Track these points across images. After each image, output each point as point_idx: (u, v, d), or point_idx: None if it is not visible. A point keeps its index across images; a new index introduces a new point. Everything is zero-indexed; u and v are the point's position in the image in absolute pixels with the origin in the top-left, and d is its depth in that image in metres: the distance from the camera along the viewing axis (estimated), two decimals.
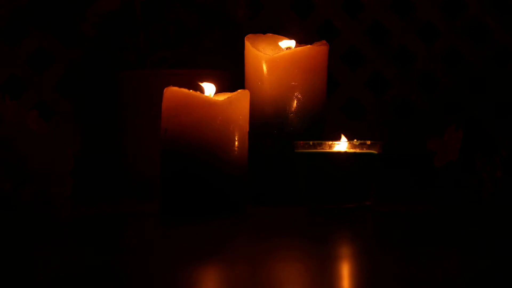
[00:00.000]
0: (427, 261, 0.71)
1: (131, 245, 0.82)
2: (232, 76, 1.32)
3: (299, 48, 1.15)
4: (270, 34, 1.18)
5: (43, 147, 1.10)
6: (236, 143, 1.02)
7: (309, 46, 1.15)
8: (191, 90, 1.01)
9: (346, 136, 1.04)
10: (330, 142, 1.03)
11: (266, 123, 1.14)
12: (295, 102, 1.14)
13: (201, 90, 1.05)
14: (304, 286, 0.62)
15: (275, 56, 1.14)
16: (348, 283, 0.63)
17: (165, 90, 1.02)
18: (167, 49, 1.37)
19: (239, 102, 1.03)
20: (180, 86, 1.02)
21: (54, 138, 1.13)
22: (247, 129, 1.04)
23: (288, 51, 1.15)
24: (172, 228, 0.95)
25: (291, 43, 1.17)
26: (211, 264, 0.70)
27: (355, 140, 1.02)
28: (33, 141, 1.09)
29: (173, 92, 1.01)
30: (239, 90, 1.04)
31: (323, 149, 1.03)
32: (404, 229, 0.93)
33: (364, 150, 1.02)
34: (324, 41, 1.16)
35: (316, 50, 1.15)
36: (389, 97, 1.52)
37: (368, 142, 1.02)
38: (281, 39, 1.18)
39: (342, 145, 1.02)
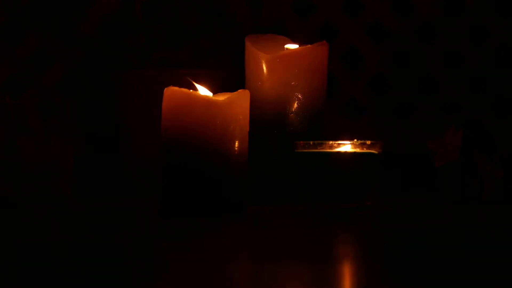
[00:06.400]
0: (427, 262, 0.71)
1: (131, 245, 0.82)
2: (232, 76, 1.32)
3: (299, 48, 1.15)
4: (270, 34, 1.18)
5: (43, 147, 1.10)
6: (236, 143, 1.02)
7: (309, 46, 1.15)
8: (191, 90, 1.01)
9: (346, 136, 1.03)
10: (330, 142, 1.03)
11: (266, 123, 1.14)
12: (295, 102, 1.14)
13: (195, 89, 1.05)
14: (304, 286, 0.62)
15: (275, 56, 1.14)
16: (348, 283, 0.63)
17: (165, 90, 1.02)
18: (167, 49, 1.37)
19: (239, 102, 1.03)
20: (180, 86, 1.02)
21: (54, 138, 1.13)
22: (247, 129, 1.04)
23: (288, 51, 1.15)
24: (172, 228, 0.95)
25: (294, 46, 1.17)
26: (211, 264, 0.70)
27: (355, 140, 1.02)
28: (33, 141, 1.09)
29: (173, 92, 1.01)
30: (239, 90, 1.04)
31: (323, 149, 1.03)
32: (404, 229, 0.93)
33: (364, 150, 1.02)
34: (324, 41, 1.16)
35: (316, 50, 1.15)
36: (389, 97, 1.52)
37: (368, 142, 1.02)
38: (281, 39, 1.18)
39: (342, 145, 1.02)
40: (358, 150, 1.02)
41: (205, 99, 1.01)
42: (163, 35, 1.38)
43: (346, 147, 1.02)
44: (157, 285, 0.62)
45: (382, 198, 1.13)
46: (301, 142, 1.04)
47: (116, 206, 1.19)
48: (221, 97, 1.03)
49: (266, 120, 1.14)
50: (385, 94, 1.52)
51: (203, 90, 1.05)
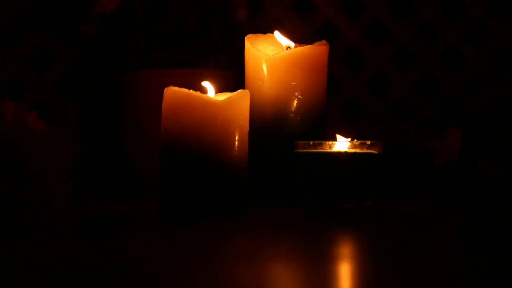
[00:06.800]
0: (427, 262, 0.71)
1: (131, 245, 0.82)
2: (232, 76, 1.32)
3: (299, 48, 1.15)
4: (270, 34, 1.19)
5: (43, 147, 1.10)
6: (236, 143, 1.02)
7: (309, 46, 1.15)
8: (191, 90, 1.01)
9: (346, 136, 1.04)
10: (330, 142, 1.03)
11: (266, 123, 1.14)
12: (295, 102, 1.14)
13: (203, 89, 1.05)
14: (304, 286, 0.62)
15: (275, 56, 1.14)
16: (348, 283, 0.63)
17: (165, 90, 1.02)
18: (167, 49, 1.37)
19: (239, 102, 1.03)
20: (180, 86, 1.02)
21: (54, 138, 1.13)
22: (247, 129, 1.04)
23: (288, 51, 1.15)
24: (172, 228, 0.95)
25: (290, 42, 1.17)
26: (211, 264, 0.70)
27: (355, 140, 1.02)
28: (33, 141, 1.09)
29: (173, 92, 1.01)
30: (239, 90, 1.04)
31: (323, 149, 1.03)
32: (404, 229, 0.93)
33: (364, 150, 1.02)
34: (324, 41, 1.16)
35: (316, 50, 1.15)
36: (389, 97, 1.52)
37: (368, 142, 1.02)
38: (281, 39, 1.18)
39: (342, 145, 1.02)
40: (358, 150, 1.02)
41: (205, 99, 1.02)
42: (163, 35, 1.38)
43: (346, 147, 1.02)
44: (157, 285, 0.62)
45: (382, 198, 1.13)
46: (301, 142, 1.04)
47: (116, 206, 1.19)
48: (221, 97, 1.03)
49: (266, 120, 1.14)
50: (385, 94, 1.52)
51: (210, 89, 1.05)
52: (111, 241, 0.85)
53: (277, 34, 1.17)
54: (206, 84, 1.05)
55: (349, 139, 1.03)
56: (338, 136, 1.03)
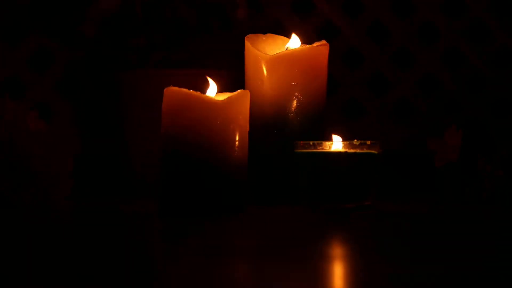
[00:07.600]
0: (427, 262, 0.71)
1: (131, 245, 0.82)
2: (232, 76, 1.32)
3: (299, 48, 1.15)
4: (270, 34, 1.18)
5: (43, 147, 1.10)
6: (236, 143, 1.02)
7: (309, 46, 1.15)
8: (191, 90, 1.01)
9: (345, 136, 1.04)
10: (330, 142, 1.03)
11: (266, 123, 1.14)
12: (295, 102, 1.14)
13: (203, 89, 1.05)
14: (303, 286, 0.62)
15: (275, 56, 1.14)
16: (347, 283, 0.63)
17: (165, 90, 1.02)
18: (167, 49, 1.38)
19: (239, 102, 1.03)
20: (180, 86, 1.02)
21: (54, 138, 1.13)
22: (247, 129, 1.04)
23: (288, 51, 1.15)
24: (171, 228, 0.95)
25: (296, 43, 1.17)
26: (211, 264, 0.70)
27: (355, 140, 1.02)
28: (33, 141, 1.10)
29: (173, 92, 1.01)
30: (239, 90, 1.04)
31: (323, 149, 1.03)
32: (403, 229, 0.93)
33: (364, 150, 1.02)
34: (324, 41, 1.16)
35: (316, 50, 1.15)
36: (389, 97, 1.52)
37: (368, 142, 1.02)
38: (281, 39, 1.18)
39: (341, 145, 1.02)
40: (358, 150, 1.02)
41: (205, 99, 1.02)
42: (163, 35, 1.38)
43: (345, 147, 1.02)
44: (156, 285, 0.62)
45: (382, 198, 1.13)
46: (301, 142, 1.04)
47: (116, 206, 1.19)
48: (221, 97, 1.03)
49: (266, 120, 1.14)
50: (385, 94, 1.52)
51: (213, 87, 1.05)
52: (111, 241, 0.85)
53: (294, 37, 1.17)
54: (211, 82, 1.05)
55: (341, 139, 1.03)
56: (334, 136, 1.03)
